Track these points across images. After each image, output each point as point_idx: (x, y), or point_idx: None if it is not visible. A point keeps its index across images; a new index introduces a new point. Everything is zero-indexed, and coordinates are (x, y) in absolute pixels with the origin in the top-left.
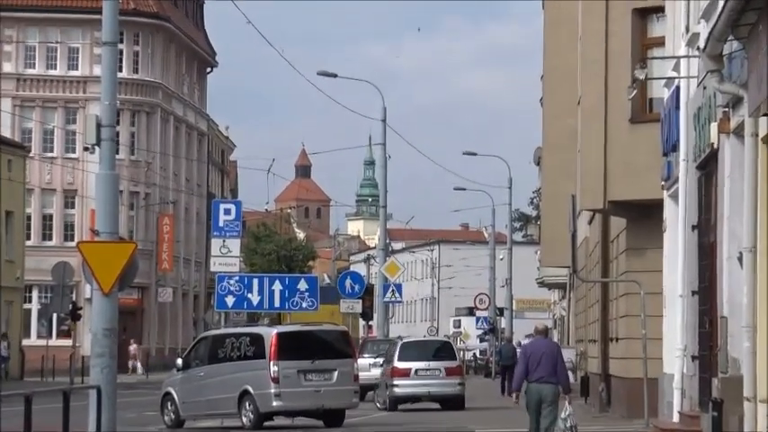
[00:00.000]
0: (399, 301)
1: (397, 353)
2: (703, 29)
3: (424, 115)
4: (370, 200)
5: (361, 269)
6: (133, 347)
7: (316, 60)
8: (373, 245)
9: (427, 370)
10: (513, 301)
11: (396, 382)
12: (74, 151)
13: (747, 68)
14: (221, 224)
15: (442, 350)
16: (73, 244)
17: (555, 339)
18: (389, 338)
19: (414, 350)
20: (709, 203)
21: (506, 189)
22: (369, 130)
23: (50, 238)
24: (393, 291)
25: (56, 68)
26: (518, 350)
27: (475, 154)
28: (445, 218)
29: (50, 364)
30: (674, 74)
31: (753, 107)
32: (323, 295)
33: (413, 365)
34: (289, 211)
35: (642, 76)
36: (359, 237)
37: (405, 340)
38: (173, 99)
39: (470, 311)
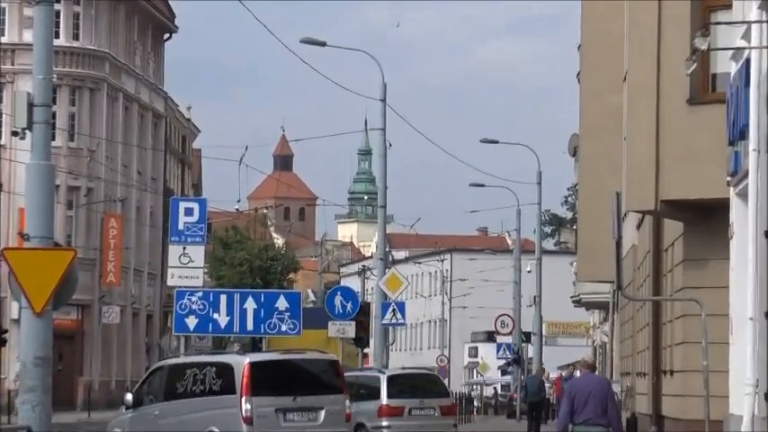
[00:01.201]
0: (402, 324)
1: (384, 388)
2: None
3: (433, 94)
4: (365, 198)
5: (354, 284)
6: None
7: (300, 26)
8: (369, 254)
9: (422, 409)
10: (543, 325)
11: (386, 423)
12: None
13: None
14: (181, 227)
15: (433, 385)
16: None
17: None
18: (362, 368)
19: (403, 385)
20: None
21: (535, 185)
22: (365, 113)
23: None
24: (394, 311)
25: None
26: (547, 384)
27: (496, 142)
28: (459, 221)
29: None
30: (744, 43)
31: None
32: (308, 316)
33: (406, 403)
34: (265, 211)
35: (704, 47)
36: (351, 244)
37: (390, 373)
38: (122, 72)
39: (490, 337)
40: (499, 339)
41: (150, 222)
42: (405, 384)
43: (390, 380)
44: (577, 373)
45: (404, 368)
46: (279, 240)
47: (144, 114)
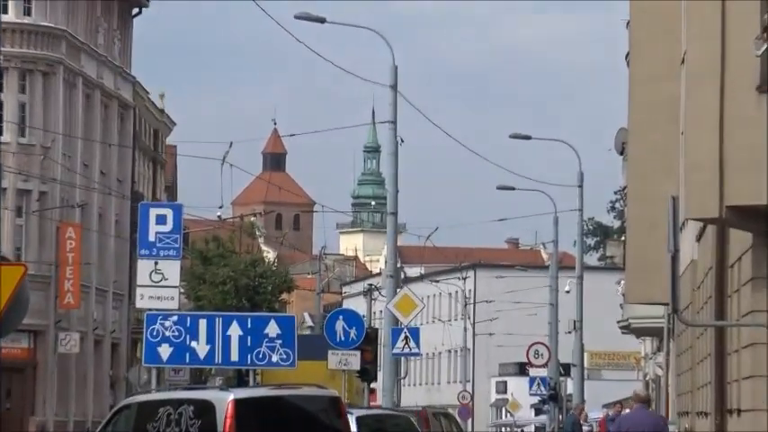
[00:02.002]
0: (416, 354)
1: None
2: None
3: (453, 80)
4: (372, 204)
5: (359, 306)
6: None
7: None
8: (377, 270)
9: None
10: (585, 355)
11: None
12: None
13: None
14: (152, 238)
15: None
16: None
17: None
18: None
19: (374, 428)
20: None
21: (575, 188)
22: (372, 102)
23: None
24: (407, 338)
25: None
26: (585, 427)
27: (528, 137)
28: (484, 231)
29: None
30: None
31: None
32: (304, 345)
33: None
34: (253, 219)
35: None
36: (356, 258)
37: (358, 413)
38: (82, 54)
39: (521, 369)
40: (532, 372)
41: (116, 232)
42: (374, 427)
43: (361, 423)
44: (628, 411)
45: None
46: (269, 254)
47: (108, 104)
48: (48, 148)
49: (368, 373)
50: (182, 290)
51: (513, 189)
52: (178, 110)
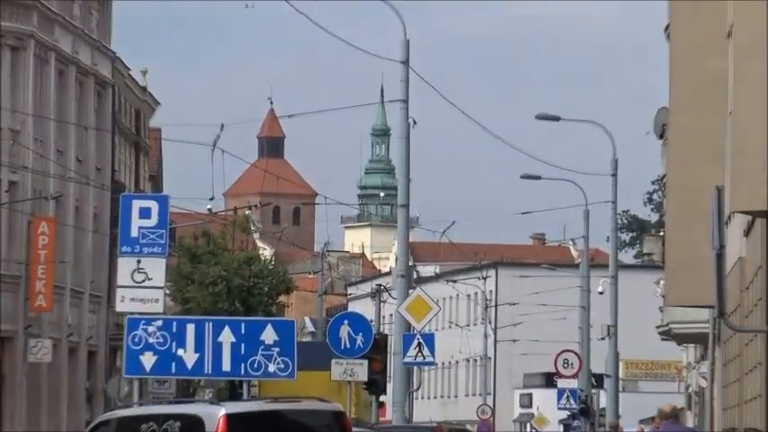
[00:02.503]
0: (431, 364)
1: None
2: None
3: (472, 56)
4: (381, 195)
5: (366, 309)
6: None
7: None
8: (387, 269)
9: None
10: (620, 364)
11: None
12: None
13: None
14: (135, 234)
15: None
16: None
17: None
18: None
19: None
20: None
21: (608, 177)
22: (380, 80)
23: None
24: (420, 345)
25: None
26: None
27: (556, 119)
28: (507, 225)
29: None
30: None
31: None
32: (305, 353)
33: None
34: (247, 212)
35: None
36: (363, 256)
37: (365, 430)
38: (55, 26)
39: (548, 380)
40: (561, 384)
41: (94, 227)
42: None
43: None
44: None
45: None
46: (266, 251)
47: (84, 81)
48: (17, 132)
49: (376, 384)
50: (167, 291)
51: (539, 178)
52: (163, 89)
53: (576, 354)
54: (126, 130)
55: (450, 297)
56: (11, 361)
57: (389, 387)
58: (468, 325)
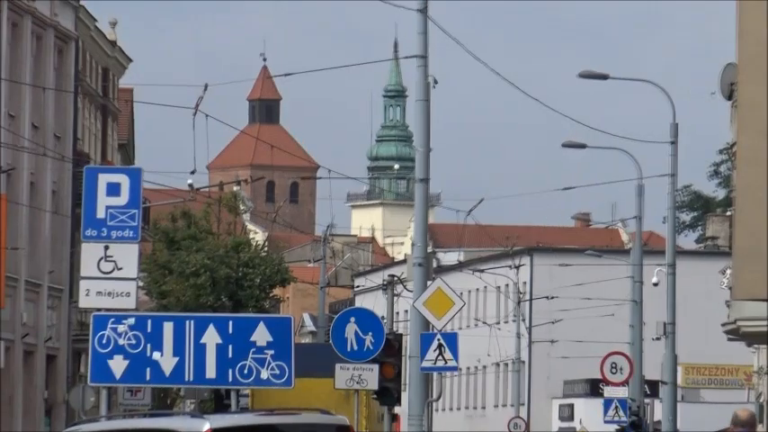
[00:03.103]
0: (453, 369)
1: None
2: None
3: (502, 4)
4: (395, 167)
5: (377, 305)
6: None
7: None
8: (401, 256)
9: None
10: (679, 369)
11: None
12: None
13: None
14: (102, 214)
15: None
16: None
17: None
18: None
19: None
20: None
21: (666, 146)
22: (394, 31)
23: None
24: (441, 347)
25: None
26: None
27: (604, 77)
28: (544, 204)
29: None
30: None
31: None
32: (303, 356)
33: None
34: (236, 188)
35: None
36: (373, 240)
37: None
38: None
39: (593, 388)
40: (607, 393)
41: (52, 206)
42: None
43: None
44: None
45: None
46: (258, 235)
47: (42, 34)
48: None
49: (389, 393)
50: (141, 283)
51: (584, 147)
52: (135, 43)
53: (626, 357)
54: (91, 92)
55: (477, 289)
56: None
57: (404, 397)
58: (497, 323)
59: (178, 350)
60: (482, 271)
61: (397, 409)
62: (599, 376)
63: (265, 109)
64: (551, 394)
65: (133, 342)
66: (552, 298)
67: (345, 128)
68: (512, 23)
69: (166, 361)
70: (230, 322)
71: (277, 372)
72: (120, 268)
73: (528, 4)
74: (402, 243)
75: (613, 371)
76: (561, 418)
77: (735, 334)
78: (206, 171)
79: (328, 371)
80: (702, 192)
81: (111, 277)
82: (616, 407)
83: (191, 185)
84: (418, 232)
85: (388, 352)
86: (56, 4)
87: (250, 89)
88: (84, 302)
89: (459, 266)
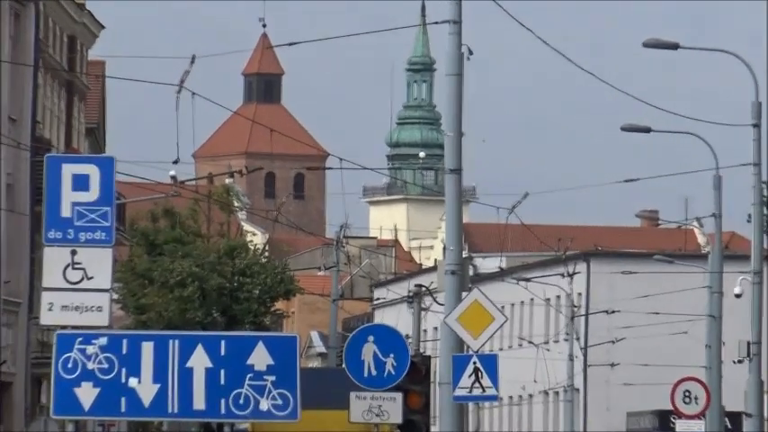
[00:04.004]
0: (493, 398)
1: None
2: None
3: None
4: (421, 155)
5: (400, 320)
6: None
7: None
8: (431, 262)
9: None
10: (766, 399)
11: None
12: None
13: None
14: (67, 213)
15: None
16: None
17: None
18: None
19: None
20: None
21: (748, 129)
22: None
23: None
24: (477, 372)
25: None
26: None
27: (674, 46)
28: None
29: None
30: None
31: None
32: (311, 383)
33: None
34: (228, 181)
35: None
36: (396, 243)
37: None
38: None
39: (663, 421)
40: (680, 426)
41: (7, 204)
42: None
43: None
44: None
45: None
46: (256, 237)
47: None
48: None
49: (415, 427)
50: (115, 295)
51: (649, 131)
52: (107, 7)
53: (701, 384)
54: (54, 65)
55: (522, 302)
56: None
57: (434, 431)
58: (546, 342)
59: (159, 376)
60: (528, 280)
61: None
62: (669, 407)
63: (264, 85)
64: (612, 427)
65: (105, 366)
66: (613, 312)
67: (360, 108)
68: None
69: (145, 389)
70: (223, 342)
71: (279, 402)
72: (91, 277)
73: None
74: (431, 247)
75: (687, 400)
76: None
77: None
78: (192, 161)
79: (341, 401)
80: None
81: (79, 288)
82: None
83: (174, 178)
84: (451, 233)
85: (414, 378)
86: None
87: (246, 62)
88: (46, 318)
89: (501, 275)
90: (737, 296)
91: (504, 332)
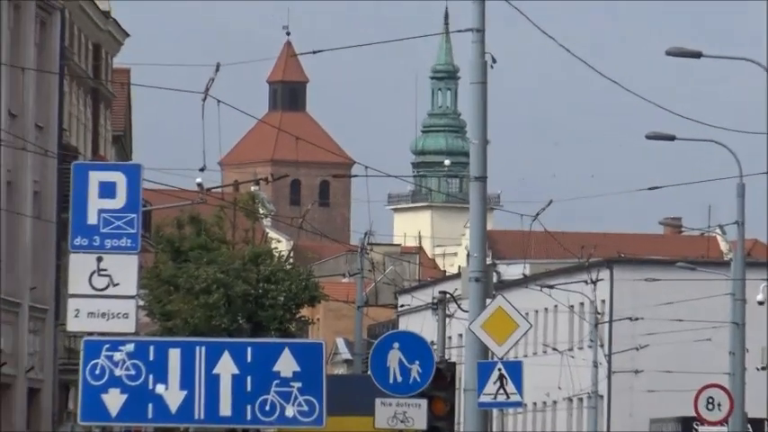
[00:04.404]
0: (517, 405)
1: None
2: None
3: None
4: (446, 163)
5: (425, 327)
6: None
7: None
8: (455, 269)
9: None
10: None
11: None
12: None
13: None
14: (94, 220)
15: None
16: None
17: None
18: None
19: None
20: None
21: None
22: (443, 2)
23: None
24: (502, 378)
25: None
26: None
27: (697, 55)
28: (625, 206)
29: None
30: None
31: None
32: (337, 389)
33: None
34: (254, 188)
35: None
36: (420, 250)
37: None
38: None
39: (686, 428)
40: None
41: (34, 211)
42: None
43: None
44: None
45: None
46: (281, 244)
47: (21, 5)
48: None
49: None
50: (141, 302)
51: (673, 139)
52: (133, 15)
53: (725, 390)
54: (80, 73)
55: (546, 309)
56: None
57: None
58: (570, 349)
59: (186, 383)
60: (552, 287)
61: None
62: (692, 414)
63: (289, 93)
64: None
65: (132, 373)
66: (636, 319)
67: (385, 116)
68: None
69: (172, 395)
70: (249, 349)
71: (305, 408)
72: (117, 284)
73: None
74: (455, 254)
75: (710, 407)
76: None
77: None
78: (218, 168)
79: (367, 407)
80: None
81: (105, 295)
82: None
83: (200, 185)
84: (475, 240)
85: (439, 384)
86: None
87: (271, 70)
88: (72, 325)
89: (525, 281)
90: (760, 303)
91: (528, 339)
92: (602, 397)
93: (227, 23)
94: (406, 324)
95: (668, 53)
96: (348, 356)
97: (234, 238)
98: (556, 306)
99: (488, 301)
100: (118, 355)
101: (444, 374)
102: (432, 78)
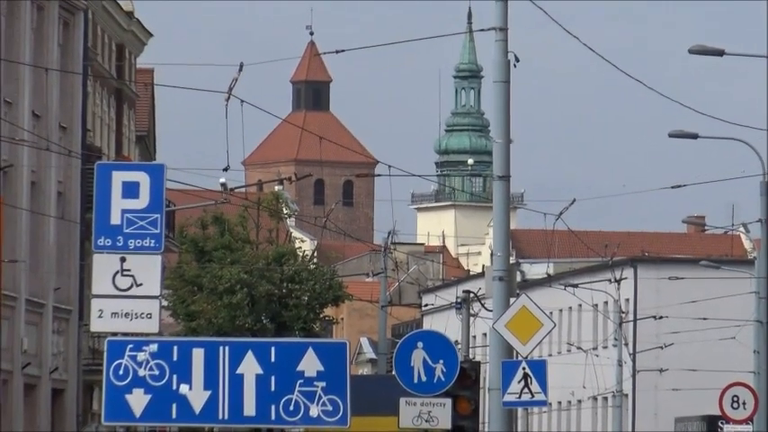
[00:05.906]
0: (542, 403)
1: None
2: None
3: None
4: (469, 162)
5: (449, 327)
6: None
7: None
8: (478, 268)
9: None
10: None
11: None
12: None
13: None
14: (117, 220)
15: None
16: None
17: None
18: None
19: None
20: None
21: None
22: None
23: None
24: (526, 378)
25: None
26: None
27: (720, 53)
28: (649, 205)
29: None
30: None
31: None
32: (361, 389)
33: None
34: (277, 188)
35: None
36: (443, 250)
37: None
38: None
39: (711, 426)
40: (728, 431)
41: (58, 211)
42: None
43: None
44: None
45: None
46: (305, 244)
47: (45, 6)
48: None
49: None
50: (165, 302)
51: (696, 137)
52: (156, 15)
53: (749, 389)
54: (104, 73)
55: (570, 308)
56: None
57: None
58: (595, 348)
59: (210, 382)
60: (575, 286)
61: None
62: (717, 412)
63: (312, 93)
64: None
65: (156, 373)
66: (660, 318)
67: (408, 116)
68: None
69: (196, 395)
70: (273, 349)
71: (329, 408)
72: (140, 284)
73: None
74: (479, 253)
75: (735, 406)
76: None
77: None
78: (242, 168)
79: (391, 407)
80: None
81: (128, 295)
82: None
83: (224, 185)
84: (498, 240)
85: (464, 383)
86: None
87: (294, 69)
88: (96, 326)
89: (548, 281)
90: None
91: (552, 338)
92: (626, 396)
93: (250, 23)
94: (430, 323)
95: (691, 51)
96: (372, 356)
97: (258, 238)
98: (580, 305)
99: (512, 300)
100: (141, 356)
101: (469, 374)
102: (455, 77)
